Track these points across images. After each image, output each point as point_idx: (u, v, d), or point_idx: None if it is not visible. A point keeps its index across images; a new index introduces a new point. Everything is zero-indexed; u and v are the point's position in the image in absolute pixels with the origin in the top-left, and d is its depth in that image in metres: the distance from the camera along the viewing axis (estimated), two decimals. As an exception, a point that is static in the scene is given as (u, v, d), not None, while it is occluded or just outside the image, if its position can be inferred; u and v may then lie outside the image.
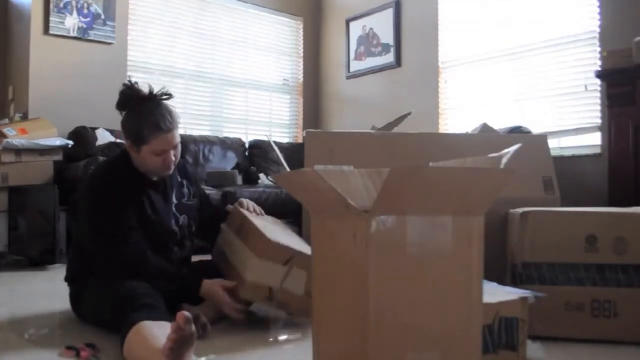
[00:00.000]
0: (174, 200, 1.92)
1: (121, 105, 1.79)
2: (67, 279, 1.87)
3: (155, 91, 1.77)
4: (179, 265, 1.88)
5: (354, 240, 1.01)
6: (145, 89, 1.77)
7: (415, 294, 1.01)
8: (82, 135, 3.82)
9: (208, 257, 2.12)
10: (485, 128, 3.22)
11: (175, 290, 1.74)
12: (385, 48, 4.96)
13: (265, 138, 4.88)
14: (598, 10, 3.54)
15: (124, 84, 1.80)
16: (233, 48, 5.10)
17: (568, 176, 3.04)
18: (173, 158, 1.79)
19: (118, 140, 3.80)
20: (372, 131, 2.83)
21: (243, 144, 4.85)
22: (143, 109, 1.74)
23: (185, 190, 1.99)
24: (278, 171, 4.47)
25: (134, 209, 1.76)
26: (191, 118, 4.82)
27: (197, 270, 1.94)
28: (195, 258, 2.10)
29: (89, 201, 1.78)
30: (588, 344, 1.63)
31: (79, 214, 1.83)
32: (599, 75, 3.18)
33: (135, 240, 1.72)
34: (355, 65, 5.24)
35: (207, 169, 4.34)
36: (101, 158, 3.35)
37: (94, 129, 3.87)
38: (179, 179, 1.98)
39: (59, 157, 3.56)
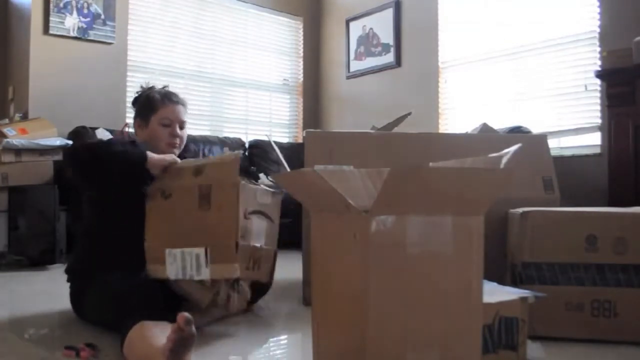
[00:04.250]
0: None
1: (136, 98, 1.98)
2: (67, 270, 1.86)
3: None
4: None
5: (354, 240, 1.01)
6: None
7: (416, 294, 1.01)
8: (82, 135, 3.82)
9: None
10: (485, 128, 3.21)
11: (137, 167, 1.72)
12: (385, 48, 4.96)
13: (265, 138, 4.88)
14: (598, 10, 3.54)
15: (141, 86, 2.01)
16: (233, 48, 5.10)
17: (568, 176, 3.03)
18: (179, 133, 1.89)
19: (118, 140, 3.80)
20: (372, 131, 2.83)
21: (243, 144, 4.85)
22: (155, 89, 1.97)
23: None
24: (278, 171, 4.47)
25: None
26: (191, 118, 4.78)
27: None
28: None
29: None
30: (588, 344, 1.63)
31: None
32: (599, 75, 3.18)
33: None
34: (355, 65, 5.24)
35: (207, 169, 4.33)
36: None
37: (94, 129, 3.86)
38: None
39: (59, 157, 3.55)
